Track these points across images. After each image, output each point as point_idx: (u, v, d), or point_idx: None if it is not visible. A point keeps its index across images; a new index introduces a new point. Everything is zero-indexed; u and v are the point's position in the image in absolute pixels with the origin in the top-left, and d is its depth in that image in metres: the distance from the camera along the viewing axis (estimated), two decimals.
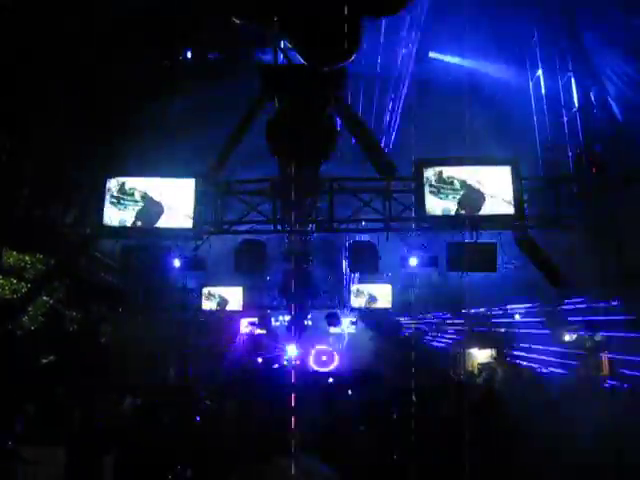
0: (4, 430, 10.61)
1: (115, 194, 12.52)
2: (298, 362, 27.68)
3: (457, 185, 12.39)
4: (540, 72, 14.77)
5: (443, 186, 12.34)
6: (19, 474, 9.92)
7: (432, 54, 15.65)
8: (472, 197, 12.40)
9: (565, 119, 14.51)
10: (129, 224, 12.46)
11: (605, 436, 9.36)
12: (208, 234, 13.66)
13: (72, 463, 8.01)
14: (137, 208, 12.51)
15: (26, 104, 13.05)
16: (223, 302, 20.59)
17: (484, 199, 12.39)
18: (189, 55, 14.08)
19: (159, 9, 11.95)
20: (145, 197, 12.56)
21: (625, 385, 13.47)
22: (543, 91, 14.66)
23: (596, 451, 9.11)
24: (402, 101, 16.06)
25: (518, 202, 12.33)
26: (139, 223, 12.52)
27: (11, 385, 13.05)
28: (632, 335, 13.05)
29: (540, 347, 18.83)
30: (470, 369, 23.00)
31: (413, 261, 14.04)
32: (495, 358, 22.95)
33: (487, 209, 12.38)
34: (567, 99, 14.42)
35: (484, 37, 13.48)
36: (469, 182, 12.44)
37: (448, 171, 12.48)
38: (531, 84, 15.16)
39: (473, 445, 8.32)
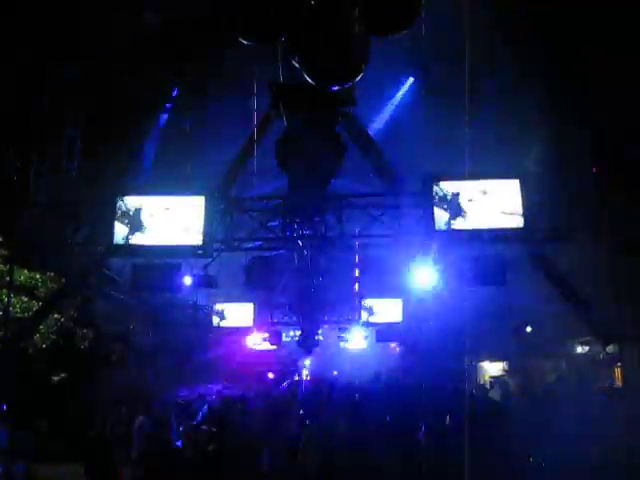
0: (17, 448, 10.63)
1: (126, 212, 12.57)
2: (309, 377, 27.59)
3: (466, 199, 12.37)
4: None
5: (452, 200, 12.32)
6: None
7: None
8: (481, 211, 12.37)
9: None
10: (139, 242, 12.50)
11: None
12: (218, 251, 13.70)
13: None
14: (147, 226, 12.55)
15: (36, 123, 13.15)
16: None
17: (493, 213, 12.35)
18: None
19: (168, 29, 12.02)
20: (155, 215, 12.60)
21: None
22: None
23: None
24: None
25: (527, 215, 12.29)
26: (149, 241, 12.55)
27: (23, 403, 13.08)
28: None
29: None
30: (482, 382, 22.93)
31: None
32: (507, 371, 22.89)
33: (496, 223, 12.34)
34: None
35: None
36: (478, 196, 12.41)
37: (457, 185, 12.46)
38: None
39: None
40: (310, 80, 6.54)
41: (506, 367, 23.50)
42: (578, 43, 12.36)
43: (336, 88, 7.27)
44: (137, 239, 12.48)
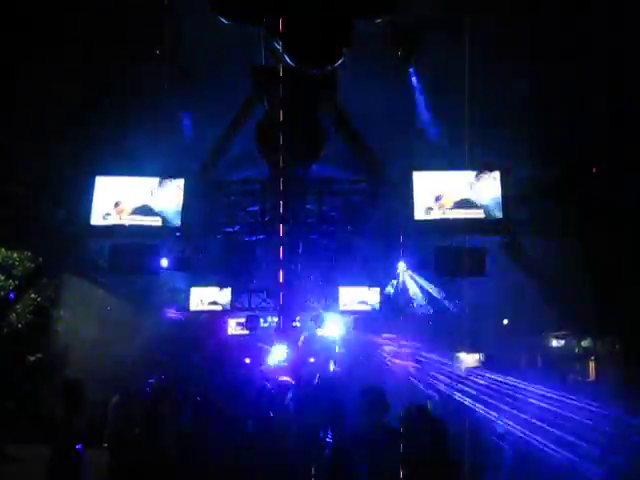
0: None
1: (104, 193, 12.50)
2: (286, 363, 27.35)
3: (446, 190, 12.41)
4: None
5: (432, 190, 12.35)
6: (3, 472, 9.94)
7: None
8: (461, 202, 12.42)
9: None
10: (117, 223, 12.43)
11: None
12: (197, 234, 13.67)
13: (54, 460, 7.97)
14: (126, 207, 12.49)
15: (17, 104, 13.02)
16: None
17: (473, 204, 12.41)
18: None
19: (144, 7, 11.87)
20: (134, 197, 12.54)
21: None
22: None
23: None
24: None
25: (507, 208, 12.36)
26: (128, 222, 12.49)
27: None
28: None
29: None
30: (459, 373, 23.08)
31: (402, 265, 14.10)
32: (483, 362, 23.03)
33: (476, 214, 12.40)
34: None
35: None
36: (458, 187, 12.46)
37: (437, 175, 12.50)
38: None
39: None
40: (292, 63, 6.55)
41: (482, 359, 23.63)
42: None
43: (317, 71, 7.29)
44: (115, 220, 12.42)
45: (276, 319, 24.09)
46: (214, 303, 20.39)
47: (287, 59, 6.02)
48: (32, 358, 17.15)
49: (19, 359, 16.51)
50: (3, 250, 15.84)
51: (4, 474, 10.07)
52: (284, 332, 22.09)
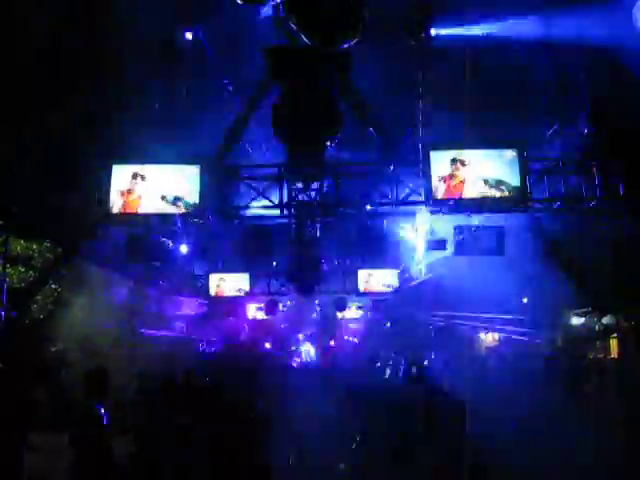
0: (13, 418, 10.65)
1: (121, 181, 12.48)
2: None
3: (465, 168, 12.30)
4: None
5: (450, 169, 12.25)
6: (28, 461, 10.00)
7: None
8: (479, 180, 12.32)
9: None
10: (134, 210, 12.42)
11: None
12: (215, 220, 13.63)
13: (76, 449, 8.02)
14: (143, 195, 12.47)
15: (33, 92, 13.01)
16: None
17: (491, 182, 12.30)
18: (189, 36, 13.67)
19: None
20: (151, 183, 12.51)
21: None
22: None
23: None
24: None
25: (524, 185, 12.23)
26: (145, 210, 12.47)
27: (20, 374, 13.09)
28: None
29: None
30: (479, 352, 23.13)
31: (420, 244, 14.02)
32: (501, 341, 23.02)
33: (494, 192, 12.29)
34: None
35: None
36: (476, 165, 12.35)
37: (455, 154, 12.38)
38: None
39: None
40: (307, 41, 6.46)
41: (502, 338, 23.60)
42: None
43: (334, 49, 7.20)
44: (132, 207, 12.40)
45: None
46: (233, 289, 20.44)
47: (303, 38, 5.93)
48: (53, 349, 17.19)
49: (41, 350, 16.57)
50: (22, 242, 15.84)
51: (30, 463, 10.13)
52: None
